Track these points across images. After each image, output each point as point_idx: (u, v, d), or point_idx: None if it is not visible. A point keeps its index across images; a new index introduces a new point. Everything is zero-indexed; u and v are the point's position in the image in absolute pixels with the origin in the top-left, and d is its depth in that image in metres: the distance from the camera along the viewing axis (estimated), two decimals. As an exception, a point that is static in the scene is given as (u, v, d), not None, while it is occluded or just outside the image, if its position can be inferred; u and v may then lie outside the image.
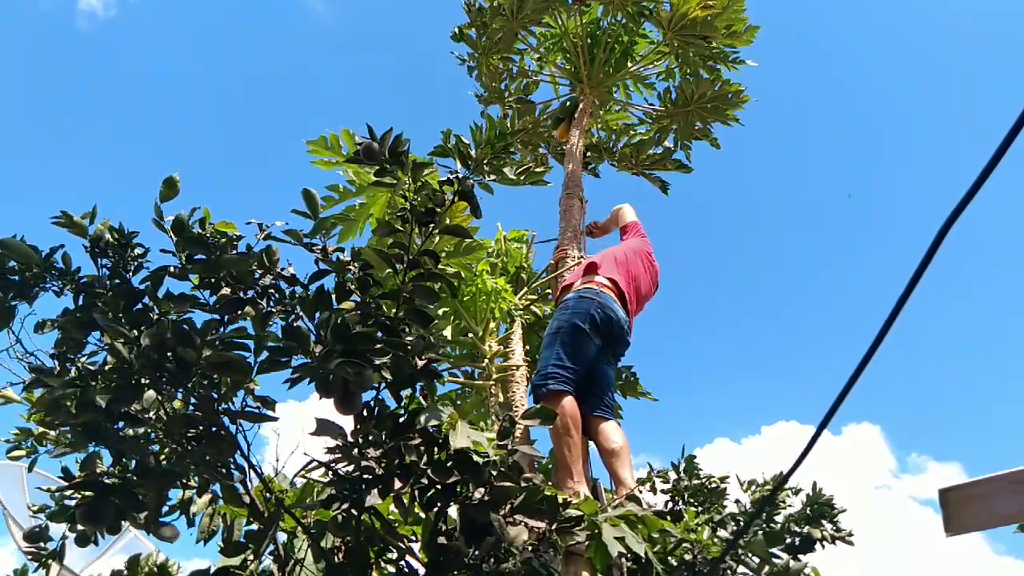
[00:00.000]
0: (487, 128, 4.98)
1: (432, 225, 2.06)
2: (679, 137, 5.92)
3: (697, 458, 4.44)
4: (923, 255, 1.11)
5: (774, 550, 3.67)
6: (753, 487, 4.39)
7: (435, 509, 1.99)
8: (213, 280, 1.96)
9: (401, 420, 1.98)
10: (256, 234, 1.99)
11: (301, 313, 1.95)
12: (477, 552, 1.87)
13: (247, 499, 2.05)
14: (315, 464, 2.06)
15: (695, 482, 4.25)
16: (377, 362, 1.90)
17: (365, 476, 1.94)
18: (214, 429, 1.96)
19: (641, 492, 3.75)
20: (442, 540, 1.97)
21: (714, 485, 4.26)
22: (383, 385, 2.01)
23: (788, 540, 4.05)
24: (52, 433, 2.28)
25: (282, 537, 2.32)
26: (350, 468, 1.98)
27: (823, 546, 4.10)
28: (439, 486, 1.93)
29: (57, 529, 2.00)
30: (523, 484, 1.98)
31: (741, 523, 3.91)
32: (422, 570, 2.10)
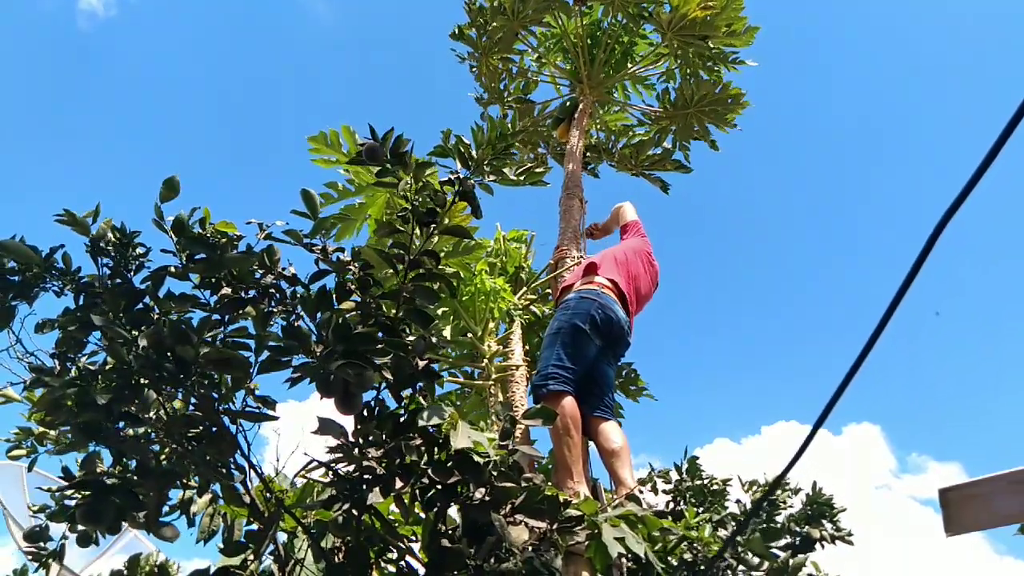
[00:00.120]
0: (488, 128, 4.98)
1: (433, 225, 2.06)
2: (678, 138, 5.92)
3: (699, 459, 4.44)
4: (917, 255, 1.12)
5: (774, 549, 3.67)
6: (754, 488, 4.40)
7: (435, 509, 1.99)
8: (214, 280, 1.96)
9: (402, 420, 1.98)
10: (256, 234, 1.99)
11: (302, 313, 1.96)
12: (478, 552, 1.87)
13: (247, 499, 2.05)
14: (315, 464, 2.06)
15: (697, 483, 4.25)
16: (378, 362, 1.90)
17: (366, 476, 1.94)
18: (214, 429, 1.97)
19: (642, 492, 3.76)
20: (443, 540, 1.97)
21: (716, 486, 4.26)
22: (383, 385, 2.01)
23: (788, 540, 4.06)
24: (52, 433, 2.28)
25: (282, 537, 2.32)
26: (350, 468, 1.98)
27: (823, 546, 4.10)
28: (439, 486, 1.94)
29: (57, 529, 2.00)
30: (524, 484, 1.98)
31: (741, 523, 3.91)
32: (422, 570, 2.10)
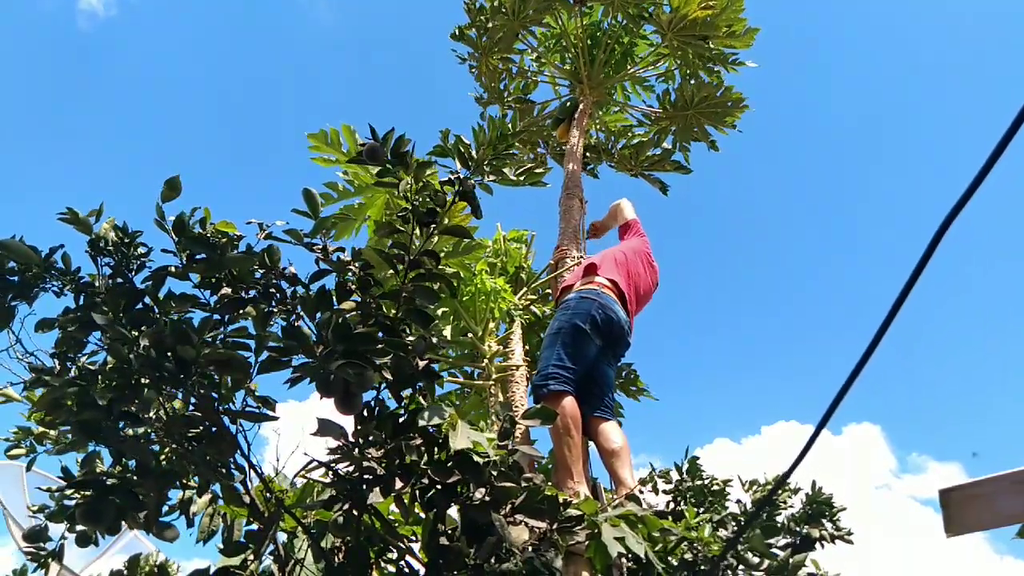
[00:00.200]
0: (488, 129, 4.98)
1: (433, 225, 2.06)
2: (677, 139, 5.92)
3: (699, 459, 4.44)
4: (921, 255, 1.11)
5: (774, 548, 3.67)
6: (755, 487, 4.40)
7: (435, 509, 1.99)
8: (214, 280, 1.96)
9: (401, 420, 1.98)
10: (257, 234, 1.99)
11: (302, 313, 1.95)
12: (478, 552, 1.87)
13: (247, 499, 2.05)
14: (315, 464, 2.06)
15: (697, 483, 4.25)
16: (378, 362, 1.90)
17: (366, 476, 1.94)
18: (214, 429, 1.97)
19: (642, 492, 3.76)
20: (443, 540, 1.97)
21: (716, 486, 4.26)
22: (383, 385, 2.01)
23: (788, 539, 4.05)
24: (52, 433, 2.28)
25: (282, 537, 2.32)
26: (350, 468, 1.98)
27: (823, 545, 4.10)
28: (439, 486, 1.93)
29: (57, 529, 2.00)
30: (524, 484, 1.98)
31: (742, 523, 3.91)
32: (422, 570, 2.10)
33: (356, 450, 1.91)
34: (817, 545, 4.09)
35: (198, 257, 1.93)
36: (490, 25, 5.57)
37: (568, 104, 5.83)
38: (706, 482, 4.26)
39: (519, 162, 5.67)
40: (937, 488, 1.77)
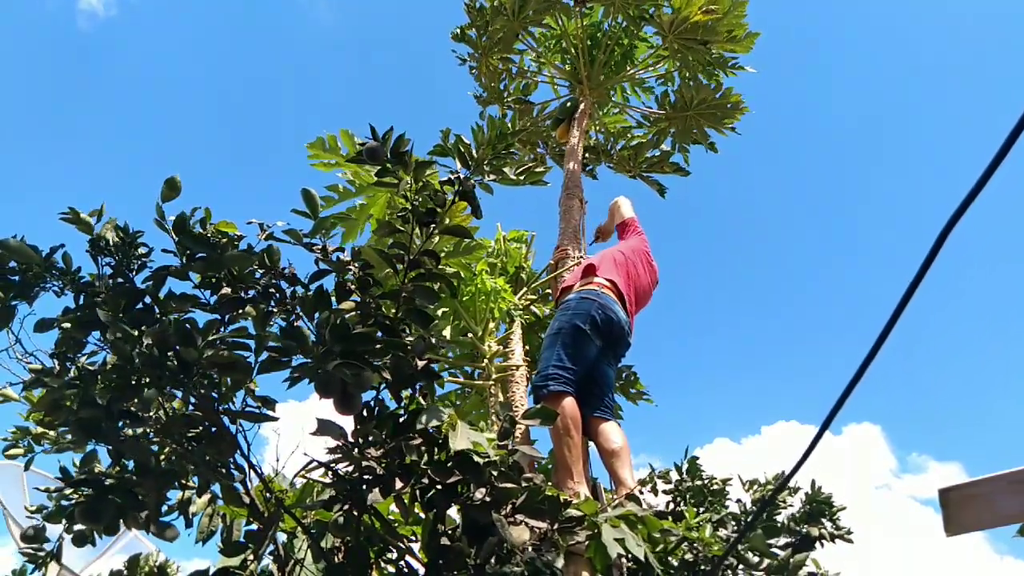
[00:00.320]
0: (488, 128, 4.98)
1: (433, 225, 2.06)
2: (677, 141, 5.92)
3: (699, 459, 4.44)
4: (923, 259, 1.11)
5: (773, 547, 3.67)
6: (755, 487, 4.40)
7: (435, 509, 1.99)
8: (214, 280, 1.96)
9: (401, 420, 1.98)
10: (257, 234, 1.99)
11: (302, 313, 1.95)
12: (479, 553, 1.87)
13: (247, 499, 2.05)
14: (315, 464, 2.06)
15: (697, 483, 4.25)
16: (377, 363, 1.90)
17: (366, 476, 1.94)
18: (214, 429, 1.96)
19: (642, 493, 3.76)
20: (444, 541, 1.97)
21: (716, 486, 4.26)
22: (383, 385, 2.01)
23: (788, 539, 4.05)
24: (51, 433, 2.28)
25: (282, 537, 2.32)
26: (350, 468, 1.98)
27: (822, 544, 4.10)
28: (440, 486, 1.93)
29: (55, 529, 2.00)
30: (524, 484, 1.98)
31: (742, 523, 3.91)
32: (422, 570, 2.10)
33: (356, 450, 1.91)
34: (817, 544, 4.09)
35: (198, 256, 1.93)
36: (490, 26, 5.56)
37: (568, 104, 5.83)
38: (706, 482, 4.26)
39: (519, 162, 5.67)
40: (937, 488, 1.77)
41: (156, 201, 1.92)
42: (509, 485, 1.92)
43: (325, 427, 1.88)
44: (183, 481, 2.03)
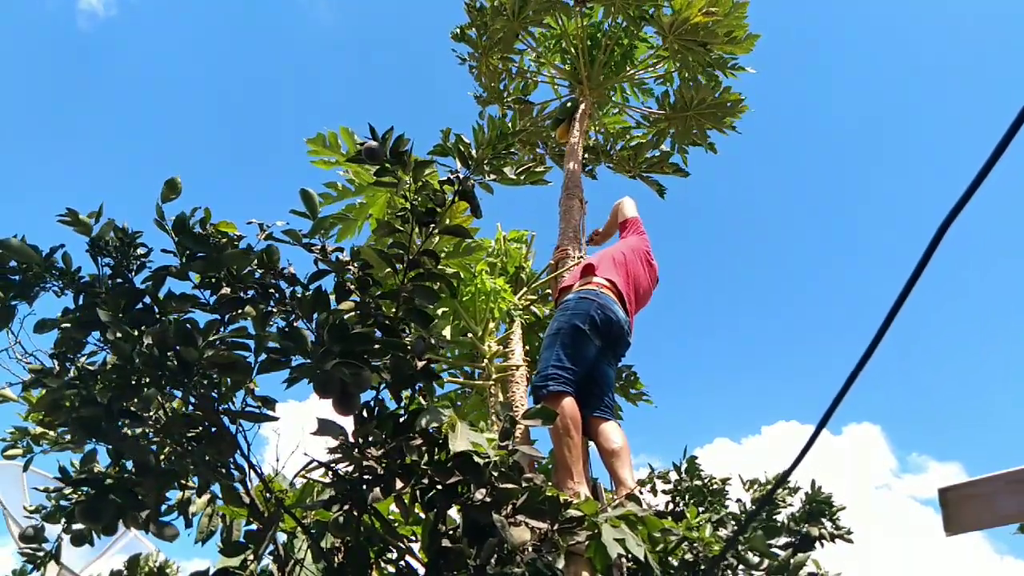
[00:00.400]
0: (488, 128, 4.98)
1: (432, 225, 2.06)
2: (676, 141, 5.92)
3: (698, 458, 4.44)
4: (921, 255, 1.11)
5: (773, 547, 3.67)
6: (755, 487, 4.40)
7: (436, 510, 1.99)
8: (213, 280, 1.96)
9: (402, 420, 1.98)
10: (256, 234, 1.99)
11: (299, 314, 1.95)
12: (480, 553, 1.87)
13: (247, 499, 2.05)
14: (315, 464, 2.06)
15: (696, 483, 4.25)
16: (376, 363, 1.90)
17: (366, 476, 1.94)
18: (214, 429, 1.96)
19: (641, 493, 3.76)
20: (444, 541, 1.97)
21: (715, 486, 4.26)
22: (383, 385, 2.01)
23: (788, 539, 4.05)
24: (51, 433, 2.28)
25: (282, 537, 2.32)
26: (350, 468, 1.98)
27: (822, 544, 4.11)
28: (440, 486, 1.93)
29: (55, 529, 2.00)
30: (524, 485, 1.98)
31: (742, 522, 3.91)
32: (422, 570, 2.10)
33: (356, 450, 1.91)
34: (817, 544, 4.09)
35: (197, 256, 1.93)
36: (490, 26, 5.57)
37: (568, 105, 5.84)
38: (705, 482, 4.26)
39: (519, 162, 5.67)
40: (937, 488, 1.77)
41: (156, 201, 1.92)
42: (510, 486, 1.92)
43: (326, 427, 1.88)
44: (183, 481, 2.03)
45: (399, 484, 1.97)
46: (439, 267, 2.08)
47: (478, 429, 2.04)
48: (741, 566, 3.41)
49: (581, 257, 4.27)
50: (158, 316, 1.92)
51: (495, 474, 1.91)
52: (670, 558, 2.94)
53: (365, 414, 1.98)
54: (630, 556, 2.14)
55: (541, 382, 3.14)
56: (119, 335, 1.81)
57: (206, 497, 2.30)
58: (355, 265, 2.01)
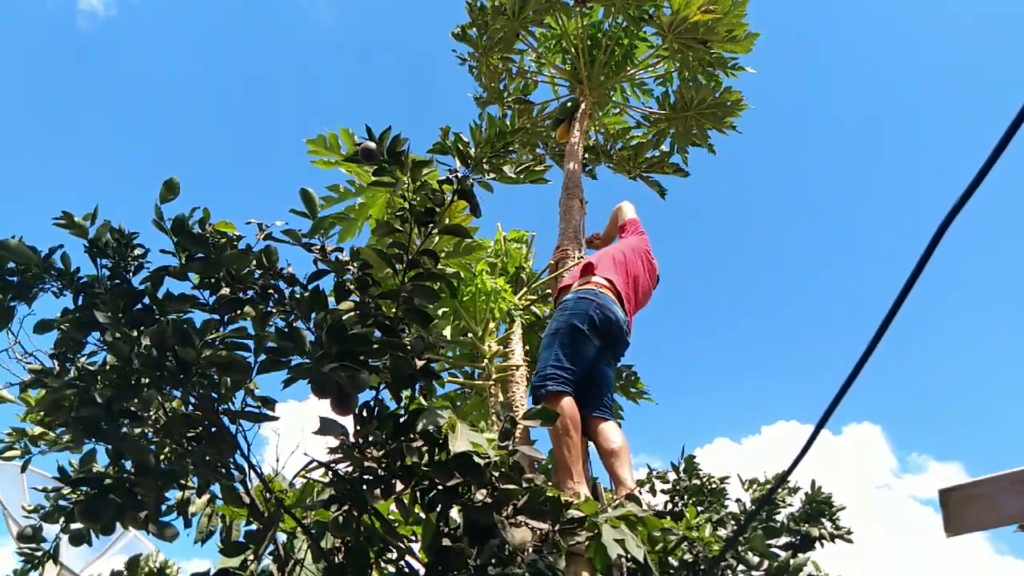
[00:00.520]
0: (487, 127, 4.98)
1: (431, 225, 2.06)
2: (676, 141, 5.92)
3: (697, 458, 4.44)
4: (920, 255, 1.11)
5: (773, 547, 3.67)
6: (754, 486, 4.39)
7: (438, 511, 1.98)
8: (213, 280, 1.96)
9: (402, 421, 1.98)
10: (256, 234, 1.99)
11: (298, 314, 1.95)
12: (480, 554, 1.87)
13: (247, 499, 2.05)
14: (315, 464, 2.06)
15: (695, 482, 4.25)
16: (375, 363, 1.90)
17: (366, 477, 1.94)
18: (214, 429, 1.96)
19: (640, 493, 3.75)
20: (444, 541, 1.97)
21: (714, 485, 4.26)
22: (382, 385, 2.01)
23: (788, 539, 4.05)
24: (50, 434, 2.28)
25: (281, 537, 2.32)
26: (350, 469, 1.98)
27: (822, 544, 4.10)
28: (440, 487, 1.93)
29: (54, 529, 2.00)
30: (525, 485, 1.98)
31: (741, 522, 3.91)
32: (422, 570, 2.10)
33: (356, 451, 1.91)
34: (817, 544, 4.09)
35: (196, 256, 1.93)
36: (491, 26, 5.57)
37: (568, 105, 5.83)
38: (704, 481, 4.26)
39: (518, 160, 5.67)
40: (937, 488, 1.77)
41: (155, 202, 1.92)
42: (510, 486, 1.92)
43: (328, 426, 1.88)
44: (183, 481, 2.03)
45: (399, 485, 1.97)
46: (439, 267, 2.08)
47: (478, 429, 2.04)
48: (741, 566, 3.41)
49: (581, 257, 4.27)
50: (157, 316, 1.92)
51: (495, 475, 1.91)
52: (670, 558, 2.94)
53: (365, 414, 1.97)
54: (630, 556, 2.14)
55: (540, 382, 3.13)
56: (117, 336, 1.80)
57: (206, 497, 2.29)
58: (355, 265, 2.01)
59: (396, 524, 2.31)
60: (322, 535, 2.15)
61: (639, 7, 5.34)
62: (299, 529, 2.25)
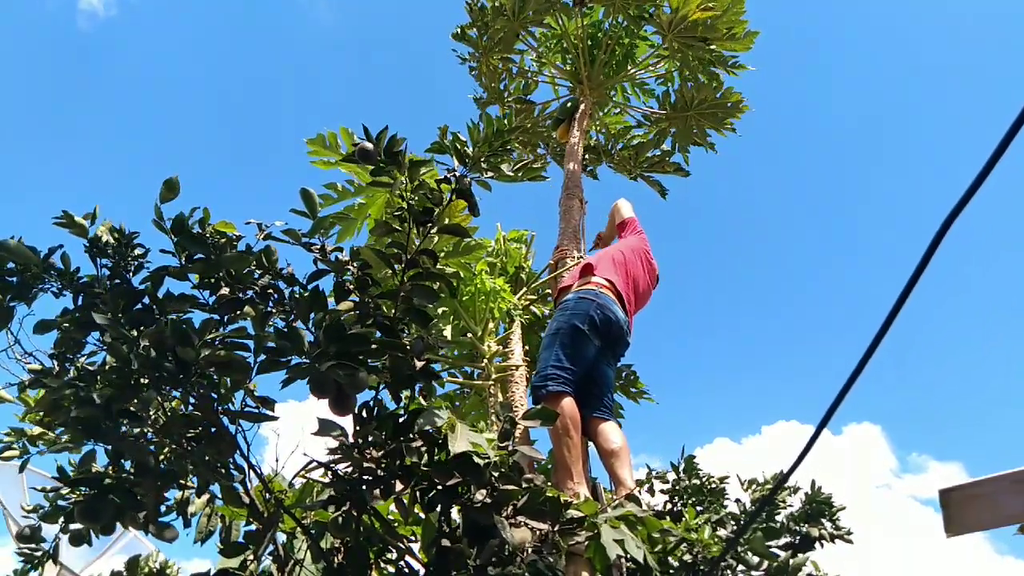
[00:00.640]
0: (484, 125, 4.97)
1: (430, 224, 2.06)
2: (677, 141, 5.92)
3: (696, 458, 4.43)
4: (921, 256, 1.11)
5: (773, 548, 3.67)
6: (753, 486, 4.39)
7: (437, 511, 1.98)
8: (212, 280, 1.96)
9: (401, 421, 1.98)
10: (256, 234, 1.99)
11: (297, 314, 1.95)
12: (480, 554, 1.86)
13: (246, 499, 2.04)
14: (315, 464, 2.05)
15: (694, 482, 4.24)
16: (375, 363, 1.89)
17: (365, 477, 1.94)
18: (213, 429, 1.96)
19: (640, 493, 3.75)
20: (445, 542, 1.97)
21: (713, 485, 4.26)
22: (382, 385, 2.01)
23: (788, 539, 4.05)
24: (49, 434, 2.27)
25: (281, 538, 2.32)
26: (350, 468, 1.97)
27: (822, 544, 4.10)
28: (440, 487, 1.93)
29: (53, 529, 1.99)
30: (524, 485, 1.98)
31: (741, 522, 3.91)
32: (422, 570, 2.10)
33: (356, 451, 1.91)
34: (817, 544, 4.09)
35: (196, 256, 1.93)
36: (491, 26, 5.57)
37: (568, 104, 5.83)
38: (704, 481, 4.26)
39: (519, 160, 5.67)
40: (937, 488, 1.77)
41: (155, 202, 1.92)
42: (510, 487, 1.92)
43: (326, 427, 1.88)
44: (182, 481, 2.03)
45: (399, 485, 1.97)
46: (438, 267, 2.07)
47: (478, 429, 2.04)
48: (740, 566, 3.41)
49: (581, 257, 4.27)
50: (157, 316, 1.92)
51: (495, 475, 1.91)
52: (669, 558, 2.94)
53: (365, 415, 1.97)
54: (629, 556, 2.14)
55: (540, 382, 3.13)
56: (115, 336, 1.80)
57: (205, 497, 2.29)
58: (354, 265, 2.01)
59: (396, 524, 2.31)
60: (322, 535, 2.14)
61: (639, 6, 5.34)
62: (299, 529, 2.25)
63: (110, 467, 1.92)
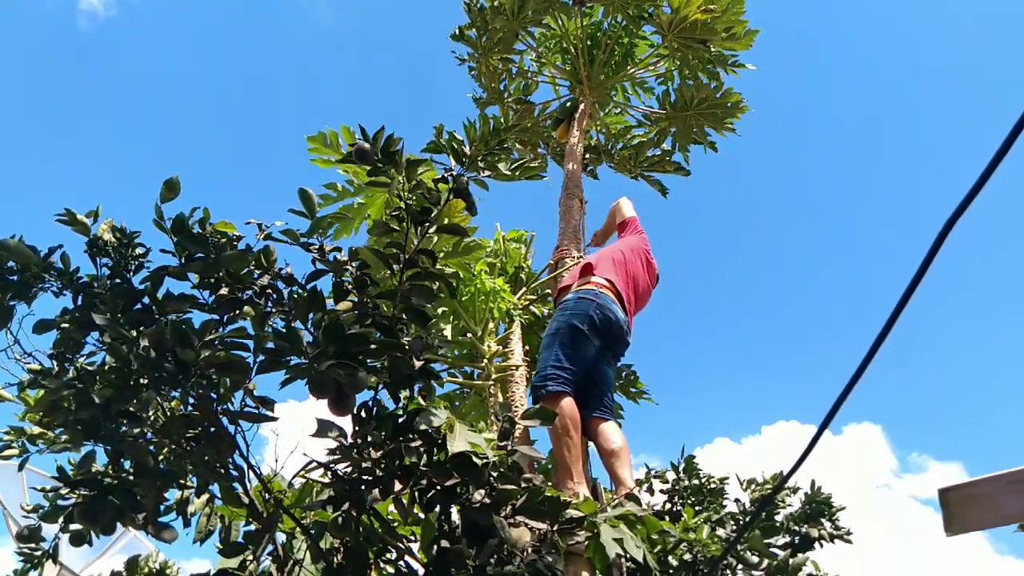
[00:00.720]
0: (481, 124, 4.97)
1: (428, 224, 2.05)
2: (677, 140, 5.92)
3: (696, 458, 4.43)
4: (923, 258, 1.11)
5: (773, 548, 3.67)
6: (753, 486, 4.39)
7: (436, 511, 1.98)
8: (212, 280, 1.96)
9: (400, 421, 1.98)
10: (256, 234, 1.99)
11: (295, 314, 1.95)
12: (479, 554, 1.86)
13: (246, 499, 2.04)
14: (314, 464, 2.05)
15: (694, 482, 4.24)
16: (374, 363, 1.89)
17: (365, 477, 1.94)
18: (213, 429, 1.96)
19: (640, 493, 3.75)
20: (443, 542, 1.97)
21: (713, 485, 4.26)
22: (381, 386, 2.01)
23: (787, 539, 4.05)
24: (49, 433, 2.27)
25: (281, 538, 2.32)
26: (349, 468, 1.97)
27: (822, 544, 4.10)
28: (439, 487, 1.93)
29: (53, 529, 1.99)
30: (524, 485, 1.98)
31: (741, 522, 3.91)
32: (421, 570, 2.10)
33: (355, 451, 1.91)
34: (817, 544, 4.09)
35: (196, 256, 1.93)
36: (490, 26, 5.56)
37: (568, 104, 5.83)
38: (703, 481, 4.26)
39: (520, 159, 5.66)
40: (937, 488, 1.77)
41: (155, 201, 1.92)
42: (509, 487, 1.92)
43: (325, 427, 1.88)
44: (182, 481, 2.03)
45: (398, 485, 1.97)
46: (437, 266, 2.07)
47: (477, 429, 2.04)
48: (740, 566, 3.41)
49: (581, 257, 4.27)
50: (157, 316, 1.92)
51: (494, 475, 1.91)
52: (669, 558, 2.94)
53: (364, 415, 1.97)
54: (629, 556, 2.14)
55: (540, 382, 3.13)
56: (115, 336, 1.80)
57: (205, 497, 2.29)
58: (353, 265, 2.01)
59: (395, 524, 2.31)
60: (321, 535, 2.14)
61: (638, 6, 5.34)
62: (298, 529, 2.25)
63: (110, 467, 1.92)
